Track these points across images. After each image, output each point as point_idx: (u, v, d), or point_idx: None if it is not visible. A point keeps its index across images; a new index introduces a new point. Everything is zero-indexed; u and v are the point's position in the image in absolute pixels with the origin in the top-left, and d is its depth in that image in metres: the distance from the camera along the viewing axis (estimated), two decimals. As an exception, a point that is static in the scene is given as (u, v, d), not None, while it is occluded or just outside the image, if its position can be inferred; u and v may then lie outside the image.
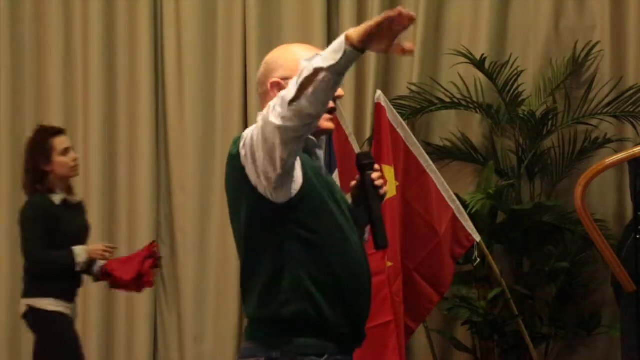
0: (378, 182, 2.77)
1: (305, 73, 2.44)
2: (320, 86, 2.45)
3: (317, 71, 2.43)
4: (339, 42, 2.44)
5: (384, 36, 2.43)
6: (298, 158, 2.63)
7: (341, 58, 2.43)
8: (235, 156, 2.65)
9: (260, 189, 2.62)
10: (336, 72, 2.44)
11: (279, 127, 2.49)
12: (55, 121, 5.67)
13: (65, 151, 4.51)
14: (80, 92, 5.70)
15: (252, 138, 2.59)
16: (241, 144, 2.63)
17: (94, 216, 5.63)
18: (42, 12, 5.71)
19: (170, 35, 5.65)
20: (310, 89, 2.44)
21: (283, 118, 2.48)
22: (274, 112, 2.50)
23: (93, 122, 5.66)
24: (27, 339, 5.71)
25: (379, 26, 2.41)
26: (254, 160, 2.58)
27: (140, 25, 5.64)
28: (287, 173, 2.57)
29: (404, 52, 2.48)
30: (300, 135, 2.51)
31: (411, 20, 2.40)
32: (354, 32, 2.43)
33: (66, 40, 5.70)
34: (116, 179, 5.69)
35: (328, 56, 2.45)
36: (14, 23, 5.72)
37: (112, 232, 5.68)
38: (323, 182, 2.73)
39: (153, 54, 5.65)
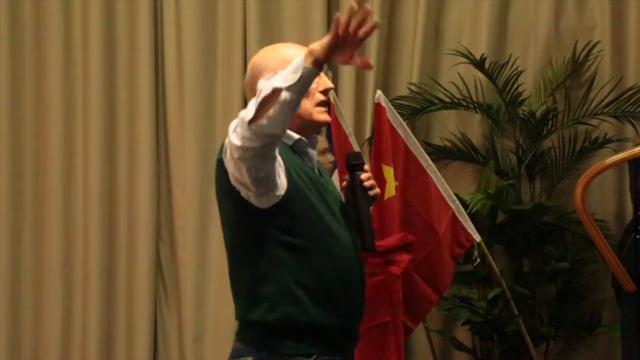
0: (367, 183, 2.77)
1: (264, 93, 2.43)
2: (281, 106, 2.44)
3: (276, 91, 2.43)
4: (298, 61, 2.45)
5: (346, 45, 2.44)
6: (282, 162, 2.62)
7: (300, 77, 2.43)
8: (220, 161, 2.66)
9: (243, 194, 2.62)
10: (296, 91, 2.44)
11: (240, 148, 2.49)
12: (55, 121, 5.69)
13: (324, 151, 4.50)
14: (80, 92, 5.69)
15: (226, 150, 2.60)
16: (223, 151, 2.64)
17: (94, 216, 5.64)
18: (42, 13, 5.70)
19: (170, 35, 5.65)
20: (270, 110, 2.44)
21: (243, 138, 2.48)
22: (235, 132, 2.50)
23: (93, 122, 5.66)
24: (28, 338, 5.72)
25: (336, 36, 2.42)
26: (231, 170, 2.60)
27: (140, 25, 5.64)
28: (263, 184, 2.57)
29: (362, 65, 2.49)
30: (263, 153, 2.50)
31: (365, 18, 2.39)
32: (318, 45, 2.44)
33: (66, 40, 5.70)
34: (116, 179, 5.69)
35: (287, 76, 2.45)
36: (14, 23, 5.71)
37: (112, 232, 5.68)
38: (311, 183, 2.72)
39: (153, 54, 5.64)
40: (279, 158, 2.60)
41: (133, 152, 5.67)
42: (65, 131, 5.68)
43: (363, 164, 2.81)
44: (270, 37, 5.42)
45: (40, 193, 5.71)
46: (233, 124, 2.52)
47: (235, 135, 2.50)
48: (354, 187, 2.78)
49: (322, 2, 5.47)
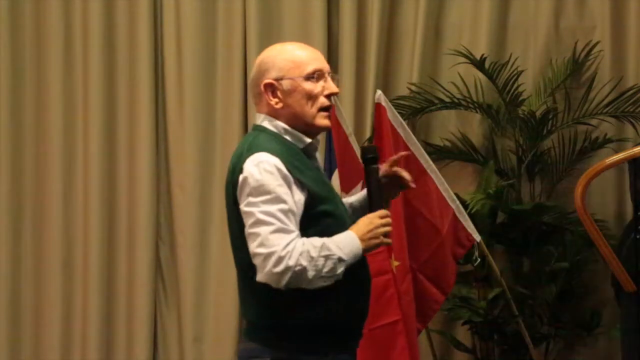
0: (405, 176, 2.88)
1: (334, 274, 2.64)
2: (331, 279, 2.66)
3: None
4: (358, 252, 2.70)
5: None
6: (297, 189, 2.65)
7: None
8: (235, 183, 2.68)
9: None
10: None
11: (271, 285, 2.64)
12: (55, 121, 5.68)
13: None
14: (80, 92, 5.69)
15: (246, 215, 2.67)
16: (238, 190, 2.69)
17: (93, 216, 5.63)
18: (42, 12, 5.70)
19: (170, 35, 5.65)
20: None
21: (279, 284, 2.64)
22: (270, 274, 2.61)
23: (93, 122, 5.66)
24: (28, 338, 5.73)
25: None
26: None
27: (140, 25, 5.63)
28: None
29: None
30: None
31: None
32: (364, 245, 2.70)
33: (66, 40, 5.70)
34: (116, 179, 5.69)
35: (351, 261, 2.67)
36: (14, 23, 5.71)
37: (112, 232, 5.68)
38: (325, 187, 2.73)
39: (153, 54, 5.64)
40: (293, 189, 2.65)
41: (133, 152, 5.66)
42: (65, 131, 5.68)
43: (378, 157, 2.82)
44: (270, 37, 5.42)
45: (40, 193, 5.71)
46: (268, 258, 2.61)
47: (269, 276, 2.61)
48: (370, 181, 2.78)
49: (322, 2, 5.47)
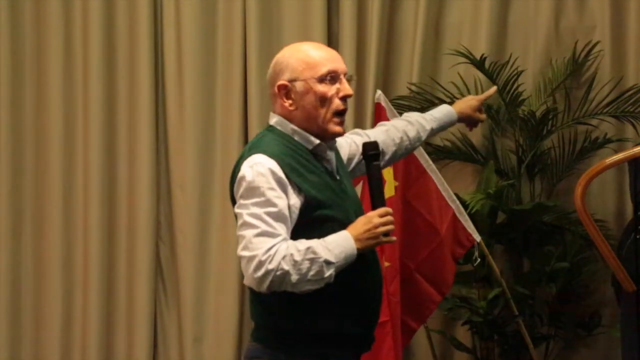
0: None
1: (321, 277, 2.61)
2: (319, 283, 2.64)
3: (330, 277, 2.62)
4: (352, 253, 2.65)
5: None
6: (293, 193, 2.65)
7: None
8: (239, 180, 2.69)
9: None
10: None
11: (258, 289, 2.62)
12: (55, 121, 5.69)
13: None
14: (80, 92, 5.69)
15: (240, 216, 2.67)
16: (235, 190, 2.69)
17: (93, 216, 5.64)
18: (42, 12, 5.70)
19: (170, 35, 5.65)
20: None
21: (269, 288, 2.61)
22: (258, 278, 2.59)
23: (93, 122, 5.66)
24: (28, 338, 5.73)
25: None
26: None
27: (140, 25, 5.63)
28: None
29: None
30: None
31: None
32: (363, 244, 2.67)
33: (66, 40, 5.70)
34: (116, 179, 5.69)
35: (341, 263, 2.63)
36: (14, 24, 5.71)
37: (112, 232, 5.68)
38: (327, 191, 2.72)
39: (153, 54, 5.64)
40: (290, 195, 2.65)
41: (133, 152, 5.66)
42: (65, 131, 5.68)
43: (379, 153, 2.80)
44: (270, 37, 5.41)
45: (41, 193, 5.71)
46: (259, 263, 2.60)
47: (251, 280, 2.59)
48: (371, 177, 2.77)
49: (322, 2, 5.47)
